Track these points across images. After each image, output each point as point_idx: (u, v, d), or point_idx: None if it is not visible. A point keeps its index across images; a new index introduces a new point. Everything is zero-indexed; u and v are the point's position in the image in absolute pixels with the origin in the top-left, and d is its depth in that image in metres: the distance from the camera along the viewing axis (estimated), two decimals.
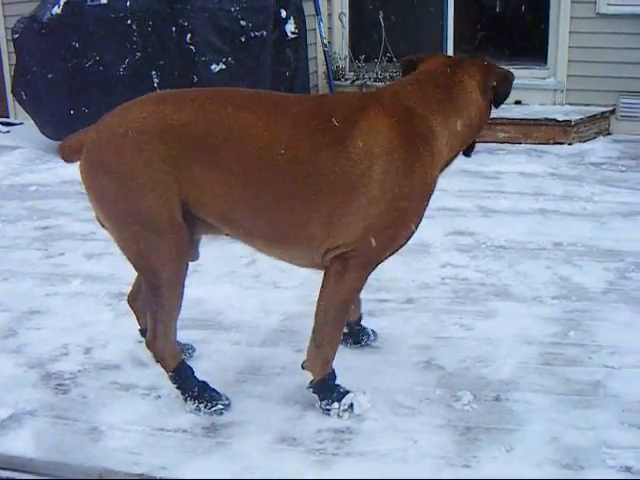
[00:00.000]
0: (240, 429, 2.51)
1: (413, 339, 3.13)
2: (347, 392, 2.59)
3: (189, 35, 6.09)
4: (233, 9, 6.06)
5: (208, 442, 2.44)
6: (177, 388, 2.61)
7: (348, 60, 7.61)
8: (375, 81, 7.34)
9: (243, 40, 6.10)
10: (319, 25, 6.83)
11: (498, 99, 2.62)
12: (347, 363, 2.87)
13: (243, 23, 6.06)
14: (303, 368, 2.62)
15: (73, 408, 2.66)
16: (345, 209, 2.39)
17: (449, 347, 3.04)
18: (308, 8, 6.80)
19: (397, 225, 2.45)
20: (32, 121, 6.92)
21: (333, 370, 2.60)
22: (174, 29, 6.13)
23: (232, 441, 2.44)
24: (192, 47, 6.07)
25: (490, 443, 2.38)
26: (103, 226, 2.59)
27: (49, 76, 6.49)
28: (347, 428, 2.49)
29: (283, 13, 6.19)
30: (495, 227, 4.54)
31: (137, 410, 2.64)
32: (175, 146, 2.38)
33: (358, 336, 3.07)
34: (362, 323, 3.09)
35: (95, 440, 2.47)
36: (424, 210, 2.51)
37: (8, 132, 7.96)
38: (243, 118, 2.40)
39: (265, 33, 6.07)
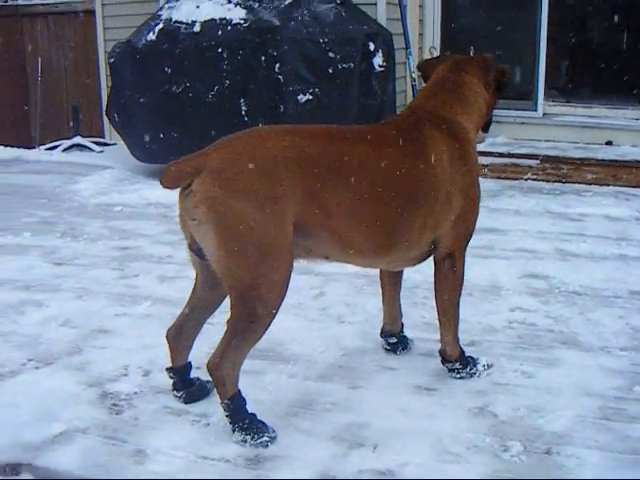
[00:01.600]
0: (282, 462, 2.50)
1: (471, 383, 3.06)
2: (475, 358, 3.13)
3: (277, 65, 6.20)
4: (322, 40, 6.14)
5: (249, 474, 2.44)
6: (228, 416, 2.62)
7: None
8: None
9: (331, 72, 6.16)
10: (408, 59, 6.84)
11: (501, 88, 3.13)
12: (401, 404, 2.85)
13: (331, 55, 6.13)
14: (440, 353, 3.11)
15: (123, 429, 2.71)
16: (436, 209, 2.81)
17: (506, 394, 2.96)
18: (398, 41, 6.82)
19: (472, 212, 2.95)
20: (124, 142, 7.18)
21: (461, 346, 3.10)
22: (263, 59, 6.24)
23: (273, 474, 2.44)
24: (280, 77, 6.17)
25: None
26: (199, 255, 2.58)
27: (141, 100, 6.72)
28: (389, 471, 2.45)
29: (371, 46, 6.23)
30: (571, 272, 4.41)
31: (185, 436, 2.67)
32: (313, 174, 2.53)
33: (404, 343, 3.35)
34: (404, 333, 3.38)
35: (139, 463, 2.51)
36: (480, 192, 3.01)
37: (102, 152, 8.29)
38: (360, 147, 2.70)
39: (352, 65, 6.12)
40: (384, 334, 3.33)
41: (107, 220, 5.64)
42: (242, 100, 6.36)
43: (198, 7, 6.56)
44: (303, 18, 6.26)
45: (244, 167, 2.47)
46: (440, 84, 3.08)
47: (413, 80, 6.91)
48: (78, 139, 8.64)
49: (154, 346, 3.37)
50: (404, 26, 6.81)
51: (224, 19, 6.43)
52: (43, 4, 9.08)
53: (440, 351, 3.13)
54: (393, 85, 6.79)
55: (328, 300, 3.97)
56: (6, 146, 8.19)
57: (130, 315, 3.79)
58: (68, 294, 4.13)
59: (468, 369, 3.09)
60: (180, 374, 2.90)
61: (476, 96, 3.05)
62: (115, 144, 8.42)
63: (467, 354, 3.14)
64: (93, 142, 8.65)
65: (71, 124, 8.80)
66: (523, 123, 7.48)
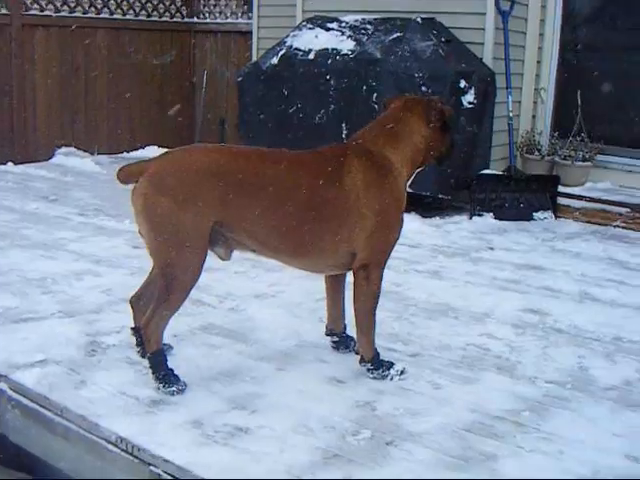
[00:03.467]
0: (172, 406, 3.16)
1: (378, 383, 3.50)
2: (392, 363, 3.56)
3: (375, 95, 6.77)
4: (416, 75, 6.63)
5: (141, 409, 3.14)
6: (150, 367, 3.32)
7: (545, 135, 7.79)
8: (564, 159, 7.46)
9: None
10: (508, 98, 7.12)
11: (446, 126, 3.51)
12: (305, 388, 3.40)
13: (424, 89, 6.60)
14: (357, 353, 3.60)
15: (85, 366, 3.51)
16: (347, 226, 3.29)
17: (399, 396, 3.38)
18: (501, 81, 7.15)
19: (387, 232, 3.38)
20: None
21: (376, 349, 3.54)
22: (364, 88, 6.85)
23: (159, 413, 3.10)
24: (376, 106, 6.74)
25: None
26: (142, 236, 3.34)
27: (261, 117, 7.56)
28: (245, 428, 3.02)
29: (462, 83, 6.62)
30: (574, 313, 4.57)
31: (122, 377, 3.42)
32: (228, 184, 3.16)
33: (346, 342, 3.80)
34: (346, 333, 3.82)
35: (75, 388, 3.28)
36: (402, 217, 3.46)
37: None
38: (275, 168, 3.25)
39: None
40: (328, 333, 3.84)
41: None
42: (343, 124, 7.00)
43: (317, 37, 7.30)
44: (403, 53, 6.78)
45: (171, 173, 3.18)
46: (382, 120, 3.52)
47: (510, 119, 7.19)
48: None
49: None
50: (506, 65, 7.09)
51: (335, 49, 7.13)
52: (214, 23, 10.27)
53: (356, 352, 3.62)
54: (490, 123, 7.11)
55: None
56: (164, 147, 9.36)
57: None
58: (124, 270, 5.00)
59: (380, 371, 3.52)
60: (139, 333, 3.61)
61: (411, 133, 3.43)
62: None
63: (385, 359, 3.59)
64: None
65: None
66: (630, 171, 7.47)
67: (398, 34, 6.95)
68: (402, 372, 3.56)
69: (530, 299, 4.82)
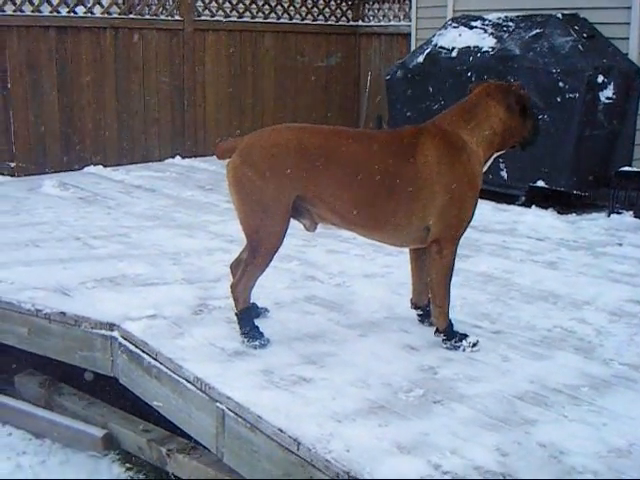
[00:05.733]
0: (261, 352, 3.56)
1: (445, 351, 3.71)
2: (465, 334, 3.75)
3: None
4: (554, 70, 6.63)
5: (223, 357, 3.57)
6: (238, 323, 3.74)
7: None
8: None
9: (559, 100, 6.63)
10: None
11: (525, 110, 3.64)
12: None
13: (561, 84, 6.58)
14: (431, 325, 3.87)
15: (188, 322, 4.00)
16: (420, 202, 3.53)
17: (440, 360, 3.58)
18: None
19: (459, 208, 3.56)
20: None
21: (451, 320, 3.75)
22: None
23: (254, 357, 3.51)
24: None
25: None
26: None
27: (408, 114, 7.85)
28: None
29: (600, 78, 6.53)
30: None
31: (215, 330, 3.88)
32: (308, 160, 3.52)
33: (430, 315, 3.93)
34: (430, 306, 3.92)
35: (176, 338, 3.77)
36: (476, 195, 3.62)
37: None
38: (352, 145, 3.57)
39: (577, 95, 6.49)
40: (412, 306, 4.06)
41: None
42: None
43: (460, 35, 7.49)
44: (542, 49, 6.80)
45: (258, 149, 3.57)
46: (462, 104, 3.71)
47: None
48: None
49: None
50: None
51: (476, 47, 7.28)
52: (378, 25, 10.65)
53: (430, 323, 3.85)
54: (633, 120, 6.94)
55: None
56: None
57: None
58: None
59: (453, 341, 3.72)
60: None
61: (488, 115, 3.60)
62: None
63: (459, 331, 3.78)
64: None
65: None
66: None
67: (538, 30, 6.99)
68: (474, 344, 3.73)
69: (639, 292, 4.77)
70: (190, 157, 9.29)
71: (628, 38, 7.01)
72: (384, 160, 3.55)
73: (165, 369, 3.52)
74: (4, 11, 7.92)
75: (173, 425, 3.66)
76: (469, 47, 7.34)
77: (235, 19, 9.71)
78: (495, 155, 3.78)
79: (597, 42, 6.92)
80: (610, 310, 4.40)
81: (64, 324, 4.08)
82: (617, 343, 3.91)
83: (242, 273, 3.68)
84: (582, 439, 2.93)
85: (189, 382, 3.37)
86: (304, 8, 10.46)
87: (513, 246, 5.79)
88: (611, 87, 6.61)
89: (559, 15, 7.00)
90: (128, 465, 3.95)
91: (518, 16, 7.32)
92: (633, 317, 4.30)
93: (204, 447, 3.50)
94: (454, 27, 7.71)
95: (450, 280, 3.73)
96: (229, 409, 3.14)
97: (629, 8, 6.95)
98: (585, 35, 6.88)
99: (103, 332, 3.96)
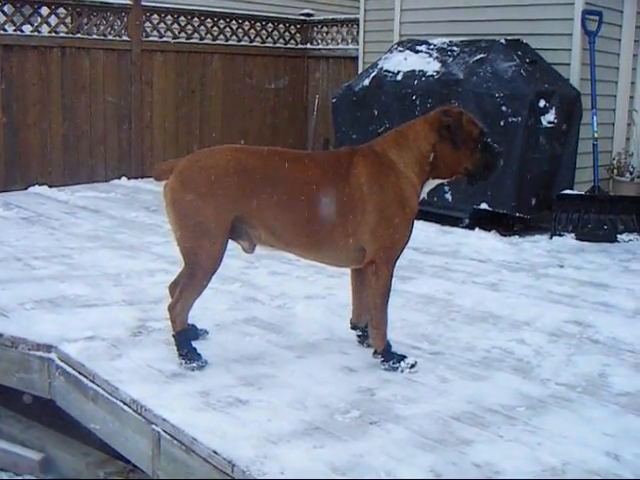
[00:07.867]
0: (191, 377, 3.51)
1: (384, 372, 3.72)
2: (403, 356, 3.74)
3: None
4: (497, 95, 6.76)
5: (161, 378, 3.52)
6: (175, 344, 3.70)
7: (637, 157, 7.66)
8: None
9: (502, 124, 6.75)
10: (592, 119, 7.08)
11: (452, 134, 3.58)
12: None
13: (504, 108, 6.70)
14: (369, 346, 3.86)
15: (126, 345, 3.94)
16: (353, 221, 3.55)
17: (376, 380, 3.59)
18: (587, 102, 7.13)
19: (390, 228, 3.58)
20: None
21: (389, 341, 3.75)
22: None
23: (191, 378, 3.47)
24: None
25: None
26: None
27: (353, 137, 7.88)
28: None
29: (542, 103, 6.67)
30: (619, 327, 4.58)
31: (155, 352, 3.83)
32: (247, 180, 3.52)
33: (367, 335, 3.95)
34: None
35: (113, 359, 3.72)
36: (409, 216, 3.62)
37: None
38: (290, 166, 3.59)
39: (519, 119, 6.63)
40: (352, 327, 4.06)
41: None
42: None
43: (405, 59, 7.59)
44: (485, 74, 6.93)
45: (196, 170, 3.56)
46: (400, 127, 3.76)
47: (594, 140, 7.14)
48: None
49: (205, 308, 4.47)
50: (592, 86, 7.05)
51: (421, 71, 7.38)
52: (327, 48, 10.75)
53: (368, 344, 3.85)
54: (574, 144, 7.10)
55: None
56: None
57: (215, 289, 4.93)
58: None
59: (391, 362, 3.74)
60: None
61: (417, 138, 3.62)
62: None
63: (398, 352, 3.80)
64: None
65: None
66: None
67: (482, 55, 7.12)
68: (413, 366, 3.74)
69: (579, 312, 4.84)
70: (136, 178, 9.22)
71: (569, 64, 7.19)
72: (320, 181, 3.59)
73: (102, 391, 3.47)
74: None
75: (112, 448, 3.59)
76: (414, 71, 7.44)
77: (183, 40, 9.71)
78: (436, 182, 3.79)
79: (539, 67, 7.07)
80: (549, 331, 4.46)
81: (1, 345, 4.00)
82: (555, 363, 3.97)
83: (179, 295, 3.65)
84: (517, 459, 2.96)
85: (125, 404, 3.32)
86: (253, 30, 10.50)
87: (456, 268, 5.85)
88: (553, 111, 6.76)
89: (503, 41, 7.15)
90: None
91: (463, 41, 7.46)
92: (572, 337, 4.37)
93: (142, 470, 3.44)
94: (400, 51, 7.81)
95: (387, 302, 3.74)
96: (165, 431, 3.10)
97: (570, 35, 7.14)
98: (528, 60, 7.03)
99: (40, 354, 3.90)
